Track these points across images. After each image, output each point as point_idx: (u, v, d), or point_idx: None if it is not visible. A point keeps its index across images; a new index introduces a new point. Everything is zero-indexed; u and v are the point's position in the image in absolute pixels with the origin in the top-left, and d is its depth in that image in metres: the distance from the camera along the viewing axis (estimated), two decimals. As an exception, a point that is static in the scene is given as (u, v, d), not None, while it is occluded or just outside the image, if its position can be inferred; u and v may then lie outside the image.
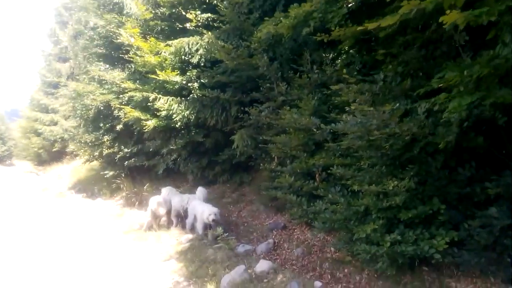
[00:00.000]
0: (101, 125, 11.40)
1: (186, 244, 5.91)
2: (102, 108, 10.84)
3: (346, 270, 4.82)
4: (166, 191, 7.90)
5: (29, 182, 17.61)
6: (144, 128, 8.99)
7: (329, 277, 4.79)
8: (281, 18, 5.68)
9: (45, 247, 6.81)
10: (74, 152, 20.58)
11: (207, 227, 6.71)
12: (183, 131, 9.40)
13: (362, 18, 5.35)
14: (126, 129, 10.91)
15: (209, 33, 7.51)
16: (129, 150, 10.94)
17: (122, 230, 7.55)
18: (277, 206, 7.31)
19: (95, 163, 15.39)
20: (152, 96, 8.53)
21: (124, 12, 10.30)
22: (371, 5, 5.29)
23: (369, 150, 4.26)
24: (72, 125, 17.90)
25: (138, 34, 9.15)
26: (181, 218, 7.73)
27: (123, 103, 10.12)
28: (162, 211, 7.35)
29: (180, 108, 8.43)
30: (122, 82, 10.17)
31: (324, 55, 6.40)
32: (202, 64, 8.52)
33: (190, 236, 6.27)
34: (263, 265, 4.68)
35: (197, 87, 8.58)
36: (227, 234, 5.86)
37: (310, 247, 5.61)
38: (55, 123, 21.39)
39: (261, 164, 7.19)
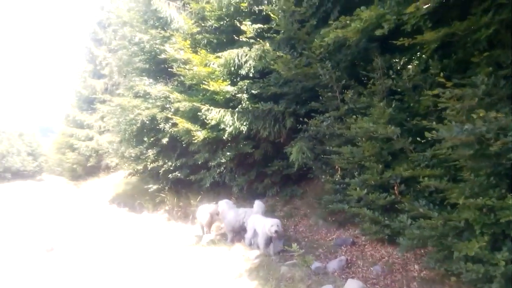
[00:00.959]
0: (145, 139, 11.25)
1: (256, 261, 5.54)
2: (147, 122, 10.68)
3: (439, 291, 4.37)
4: (223, 205, 7.56)
5: (68, 196, 17.59)
6: (193, 139, 8.74)
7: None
8: (348, 21, 5.38)
9: (113, 262, 6.54)
10: (110, 166, 20.85)
11: (269, 241, 6.35)
12: (230, 143, 9.13)
13: (444, 19, 5.07)
14: (171, 142, 10.74)
15: (266, 43, 7.24)
16: (173, 164, 10.73)
17: (180, 244, 7.22)
18: (339, 221, 6.89)
19: (134, 177, 15.40)
20: (204, 107, 8.29)
21: (172, 26, 10.18)
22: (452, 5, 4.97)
23: (478, 160, 3.84)
24: (110, 140, 18.08)
25: (188, 47, 8.98)
26: (235, 233, 7.40)
27: (170, 114, 9.95)
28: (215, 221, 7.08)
29: (232, 119, 8.17)
30: (170, 92, 10.02)
31: (394, 60, 6.04)
32: (251, 75, 8.31)
33: (257, 252, 5.89)
34: (352, 286, 4.27)
35: (246, 98, 8.34)
36: (303, 250, 5.47)
37: (390, 265, 5.16)
38: (90, 138, 21.55)
39: (323, 176, 6.79)
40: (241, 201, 9.33)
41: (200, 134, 8.65)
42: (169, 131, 10.45)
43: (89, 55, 23.21)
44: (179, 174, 10.65)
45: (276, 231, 6.10)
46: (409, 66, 5.93)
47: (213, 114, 8.24)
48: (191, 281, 5.32)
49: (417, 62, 5.88)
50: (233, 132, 8.20)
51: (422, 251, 5.15)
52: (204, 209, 8.14)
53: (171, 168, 10.78)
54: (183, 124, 8.90)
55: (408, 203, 4.84)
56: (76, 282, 5.90)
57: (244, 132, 8.20)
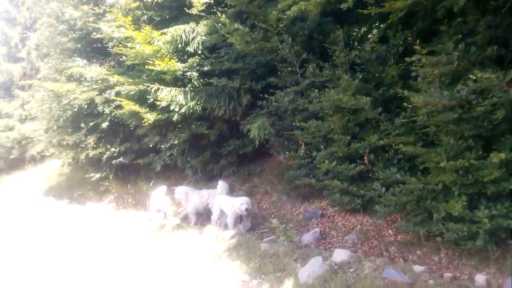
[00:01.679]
0: (82, 125, 10.35)
1: (232, 241, 5.31)
2: (85, 106, 9.81)
3: (418, 252, 4.52)
4: (185, 189, 7.18)
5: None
6: (143, 122, 8.18)
7: (401, 260, 4.46)
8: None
9: (73, 258, 5.89)
10: (37, 157, 19.14)
11: (238, 220, 6.18)
12: (181, 125, 8.71)
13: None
14: (112, 126, 10.02)
15: (223, 15, 6.86)
16: (116, 149, 10.02)
17: (142, 232, 6.75)
18: (303, 195, 6.88)
19: (68, 168, 14.28)
20: (154, 87, 7.75)
21: (106, 1, 9.35)
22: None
23: (459, 123, 3.95)
24: (35, 128, 16.48)
25: (130, 23, 8.28)
26: (199, 215, 7.13)
27: (111, 98, 9.24)
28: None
29: (185, 99, 7.74)
30: (108, 75, 9.26)
31: (353, 31, 6.06)
32: (200, 52, 7.92)
33: (231, 232, 5.66)
34: (341, 255, 4.25)
35: (196, 77, 7.96)
36: (284, 225, 5.35)
37: (364, 233, 5.25)
38: (11, 128, 19.53)
39: (287, 152, 6.70)
40: (195, 183, 9.01)
41: (150, 117, 8.12)
42: (110, 114, 9.73)
43: (1, 36, 20.77)
44: (124, 160, 10.00)
45: (246, 209, 5.95)
46: (369, 36, 5.96)
47: (164, 94, 7.75)
48: (166, 268, 4.98)
49: (376, 32, 5.93)
50: (186, 112, 7.79)
51: (393, 216, 5.30)
52: (159, 192, 7.73)
53: (115, 154, 10.08)
54: (129, 106, 8.29)
55: (381, 171, 4.92)
56: None
57: (198, 111, 7.83)
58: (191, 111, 7.81)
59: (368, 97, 4.94)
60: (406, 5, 4.59)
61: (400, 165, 5.02)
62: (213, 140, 8.56)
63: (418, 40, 4.10)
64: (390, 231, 5.12)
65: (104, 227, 7.46)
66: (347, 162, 5.50)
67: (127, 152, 10.07)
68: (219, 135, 8.61)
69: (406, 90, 4.50)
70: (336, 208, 6.09)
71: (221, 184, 6.94)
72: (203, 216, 7.16)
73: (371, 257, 4.40)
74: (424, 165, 4.46)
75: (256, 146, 7.96)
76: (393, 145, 4.80)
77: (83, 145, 10.20)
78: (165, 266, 5.05)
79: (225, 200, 6.40)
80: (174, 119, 8.06)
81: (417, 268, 3.84)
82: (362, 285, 3.63)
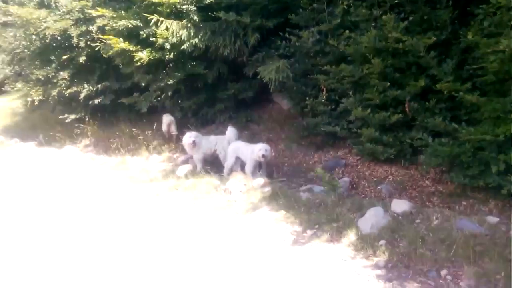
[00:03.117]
0: (53, 57, 9.08)
1: (266, 190, 4.86)
2: (58, 37, 8.54)
3: (464, 203, 4.39)
4: (196, 135, 6.52)
5: None
6: (135, 62, 7.26)
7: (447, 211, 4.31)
8: None
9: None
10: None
11: (256, 168, 5.76)
12: (172, 64, 7.85)
13: None
14: (89, 62, 8.89)
15: None
16: (94, 88, 8.96)
17: (149, 179, 6.11)
18: (316, 144, 6.54)
19: (19, 106, 12.87)
20: (153, 18, 6.80)
21: None
22: None
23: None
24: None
25: None
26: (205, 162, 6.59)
27: (96, 37, 8.04)
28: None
29: (187, 33, 6.89)
30: (87, 7, 8.07)
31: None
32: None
33: (261, 180, 5.18)
34: (401, 205, 3.99)
35: (194, 11, 7.12)
36: (328, 173, 4.95)
37: (400, 183, 5.04)
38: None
39: (307, 98, 6.19)
40: (185, 128, 8.33)
41: (142, 55, 7.21)
42: (87, 48, 8.59)
43: None
44: (103, 100, 8.99)
45: (263, 155, 5.51)
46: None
47: (163, 28, 6.85)
48: (206, 221, 4.45)
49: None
50: (187, 49, 6.98)
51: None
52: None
53: (93, 94, 9.02)
54: (118, 44, 7.30)
55: (428, 119, 4.66)
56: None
57: (201, 49, 7.05)
58: (192, 48, 7.01)
59: (429, 38, 4.53)
60: None
61: (442, 114, 4.78)
62: (210, 82, 7.84)
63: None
64: (427, 182, 4.95)
65: (98, 174, 6.68)
66: (382, 110, 5.18)
67: (106, 92, 9.05)
68: (217, 77, 7.89)
69: (470, 34, 4.18)
70: (358, 158, 5.82)
71: (230, 130, 6.39)
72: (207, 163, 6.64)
73: (436, 207, 4.19)
74: (482, 116, 4.23)
75: (257, 91, 7.49)
76: (445, 92, 4.50)
77: (55, 81, 8.99)
78: (203, 219, 4.53)
79: (242, 147, 5.90)
80: (170, 57, 7.25)
81: (491, 219, 3.68)
82: (439, 237, 3.41)
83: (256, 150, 5.54)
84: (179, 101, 8.30)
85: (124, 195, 5.63)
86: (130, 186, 6.03)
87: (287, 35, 6.26)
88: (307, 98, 6.17)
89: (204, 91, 8.06)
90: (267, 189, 4.86)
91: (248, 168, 5.69)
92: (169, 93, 8.09)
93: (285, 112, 7.74)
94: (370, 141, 5.38)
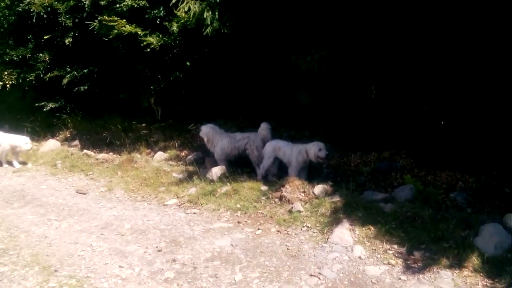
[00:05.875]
0: (29, 36, 7.66)
1: (335, 199, 4.00)
2: (44, 15, 7.17)
3: None
4: (208, 129, 5.67)
5: None
6: (145, 47, 6.21)
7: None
8: None
9: None
10: None
11: (302, 171, 4.97)
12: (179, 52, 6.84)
13: None
14: (76, 44, 7.58)
15: None
16: (79, 74, 7.66)
17: (168, 182, 5.10)
18: (351, 142, 5.88)
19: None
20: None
21: None
22: None
23: None
24: None
25: None
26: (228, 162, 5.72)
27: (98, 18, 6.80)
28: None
29: (212, 15, 5.90)
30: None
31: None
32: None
33: (320, 187, 4.34)
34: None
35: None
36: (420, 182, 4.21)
37: (477, 190, 4.45)
38: None
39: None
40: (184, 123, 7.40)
41: (152, 40, 6.19)
42: (75, 28, 7.34)
43: None
44: (90, 88, 7.73)
45: (326, 155, 4.76)
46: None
47: (186, 7, 5.82)
48: (267, 242, 3.64)
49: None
50: (210, 33, 6.01)
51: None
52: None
53: (77, 80, 7.72)
54: (122, 27, 6.21)
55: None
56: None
57: (226, 34, 6.11)
58: (214, 33, 6.05)
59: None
60: None
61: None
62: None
63: None
64: (507, 189, 4.42)
65: (102, 176, 5.57)
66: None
67: (95, 79, 7.80)
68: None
69: None
70: (411, 160, 5.22)
71: (264, 127, 5.56)
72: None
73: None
74: None
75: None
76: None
77: (33, 63, 7.58)
78: (267, 237, 3.70)
79: (283, 146, 5.10)
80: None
81: None
82: None
83: (315, 150, 4.75)
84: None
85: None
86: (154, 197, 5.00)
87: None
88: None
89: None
90: (337, 198, 4.09)
91: (294, 171, 4.91)
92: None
93: (304, 106, 7.04)
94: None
